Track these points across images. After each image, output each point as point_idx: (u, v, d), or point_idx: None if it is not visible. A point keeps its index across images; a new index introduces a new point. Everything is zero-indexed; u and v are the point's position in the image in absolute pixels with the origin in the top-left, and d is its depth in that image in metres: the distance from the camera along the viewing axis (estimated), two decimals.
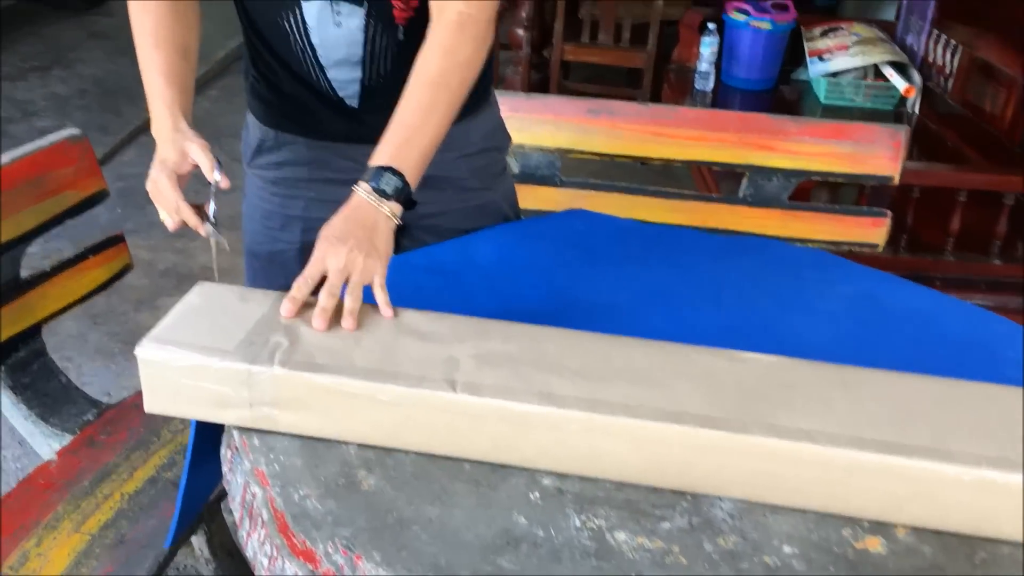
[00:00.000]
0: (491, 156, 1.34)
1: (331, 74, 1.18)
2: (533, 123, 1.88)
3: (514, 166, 1.88)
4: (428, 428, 0.87)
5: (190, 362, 0.88)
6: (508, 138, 1.41)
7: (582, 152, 1.90)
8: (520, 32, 4.24)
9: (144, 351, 0.89)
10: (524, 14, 4.18)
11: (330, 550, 0.77)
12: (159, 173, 1.06)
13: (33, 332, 1.41)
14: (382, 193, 0.99)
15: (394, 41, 1.16)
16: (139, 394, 1.53)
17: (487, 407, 0.85)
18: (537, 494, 0.84)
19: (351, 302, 0.95)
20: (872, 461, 0.80)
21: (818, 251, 1.39)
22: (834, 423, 0.83)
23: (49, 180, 1.39)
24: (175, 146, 1.06)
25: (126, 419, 1.46)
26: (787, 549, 0.79)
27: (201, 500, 1.26)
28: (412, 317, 0.98)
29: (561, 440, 0.85)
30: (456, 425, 0.87)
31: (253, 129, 1.30)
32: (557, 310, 1.15)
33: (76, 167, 1.42)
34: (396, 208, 1.00)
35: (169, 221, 1.08)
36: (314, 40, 1.14)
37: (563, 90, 4.17)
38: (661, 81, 3.79)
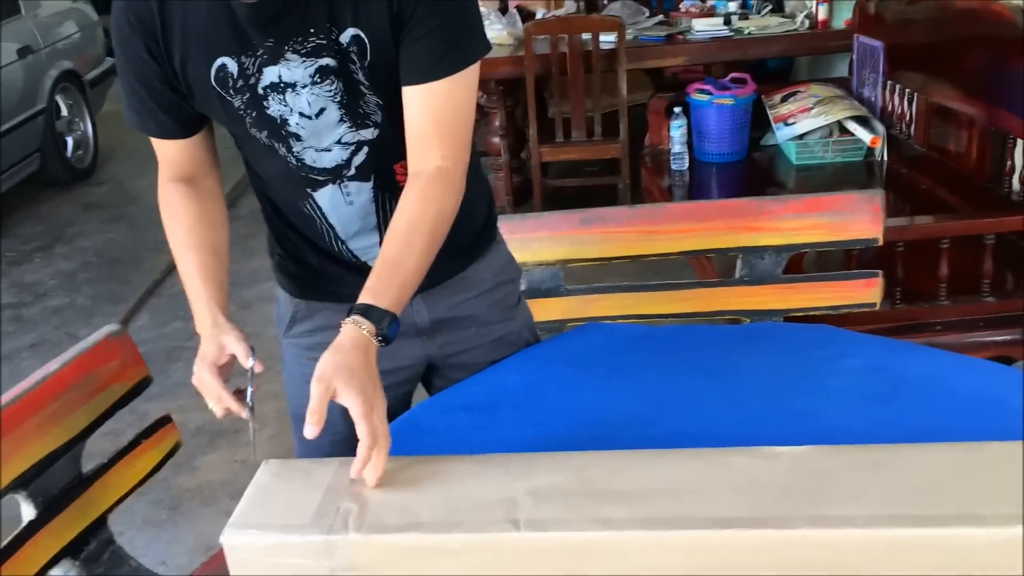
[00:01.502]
0: (505, 289, 1.43)
1: (352, 245, 1.28)
2: (531, 241, 1.98)
3: (522, 284, 1.98)
4: (498, 567, 0.94)
5: (271, 541, 0.96)
6: (518, 269, 1.51)
7: (581, 261, 2.01)
8: (496, 140, 4.41)
9: (228, 537, 0.97)
10: (497, 123, 4.36)
11: None
12: (201, 368, 1.15)
13: (100, 523, 1.48)
14: (376, 331, 1.06)
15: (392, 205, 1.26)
16: (205, 564, 1.60)
17: (550, 541, 0.92)
18: None
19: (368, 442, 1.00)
20: (909, 536, 0.87)
21: (823, 328, 1.48)
22: (870, 505, 0.90)
23: (97, 378, 1.47)
24: (214, 340, 1.16)
25: None
26: None
27: None
28: (464, 464, 1.06)
29: (621, 560, 0.92)
30: (523, 561, 0.93)
31: (285, 303, 1.40)
32: (589, 428, 1.23)
33: (120, 360, 1.51)
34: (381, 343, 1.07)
35: (217, 409, 1.16)
36: (331, 220, 1.25)
37: (545, 189, 4.31)
38: (638, 165, 3.94)
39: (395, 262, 1.11)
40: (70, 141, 5.61)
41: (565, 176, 4.66)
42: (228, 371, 1.18)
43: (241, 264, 3.78)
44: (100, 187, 5.62)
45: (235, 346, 1.14)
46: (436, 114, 1.13)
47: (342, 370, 1.01)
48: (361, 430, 1.00)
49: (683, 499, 0.95)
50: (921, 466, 0.96)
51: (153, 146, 1.25)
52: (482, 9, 4.18)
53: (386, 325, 1.06)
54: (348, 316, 1.07)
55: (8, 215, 5.19)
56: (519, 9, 4.64)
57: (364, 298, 1.08)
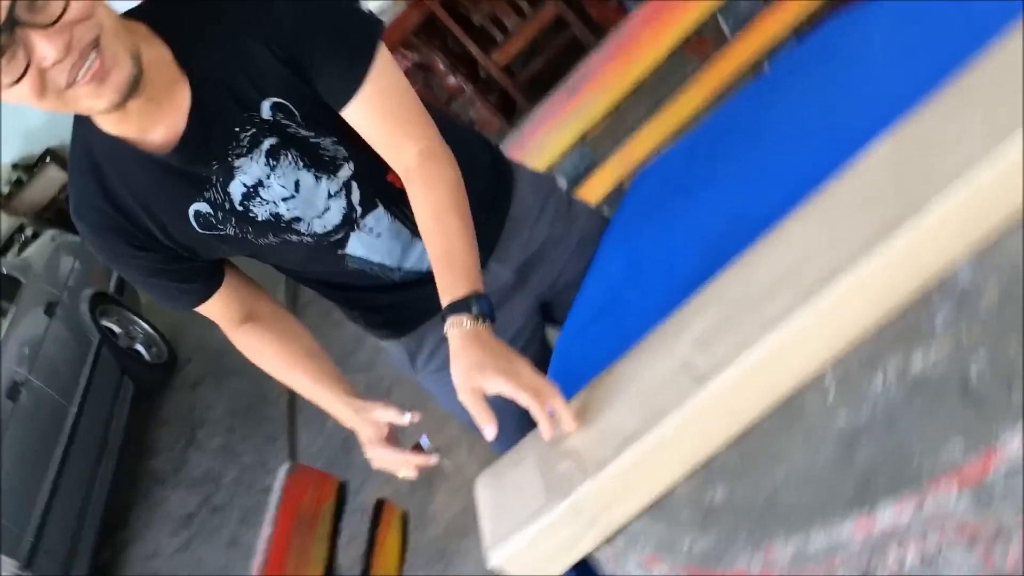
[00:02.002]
0: (552, 200, 1.43)
1: (407, 266, 1.30)
2: (540, 142, 1.98)
3: (562, 183, 1.98)
4: (714, 421, 0.96)
5: (529, 536, 1.00)
6: (550, 177, 1.50)
7: (594, 125, 1.99)
8: (452, 80, 4.36)
9: (495, 559, 1.02)
10: (441, 66, 4.31)
11: None
12: (373, 449, 1.23)
13: None
14: (476, 316, 1.08)
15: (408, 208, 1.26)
16: None
17: (738, 370, 0.94)
18: None
19: (539, 401, 1.04)
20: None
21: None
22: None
23: (305, 513, 1.56)
24: (365, 423, 1.22)
25: None
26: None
27: None
28: (623, 365, 1.09)
29: (808, 341, 0.93)
30: (730, 403, 0.95)
31: (395, 349, 1.44)
32: (709, 248, 1.22)
33: (312, 486, 1.59)
34: (486, 322, 1.09)
35: (410, 473, 1.22)
36: (375, 260, 1.27)
37: (523, 88, 4.24)
38: (581, 7, 3.85)
39: (446, 252, 1.12)
40: (141, 349, 5.81)
41: (529, 64, 4.57)
42: (394, 436, 1.23)
43: (338, 336, 3.88)
44: (191, 363, 5.82)
45: (384, 415, 1.20)
46: (381, 115, 1.13)
47: (473, 369, 1.04)
48: (523, 399, 1.02)
49: (820, 257, 0.95)
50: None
51: (202, 314, 1.30)
52: None
53: (479, 306, 1.08)
54: (444, 324, 1.09)
55: (143, 439, 5.44)
56: None
57: (444, 300, 1.09)
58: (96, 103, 0.98)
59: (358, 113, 1.12)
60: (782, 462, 0.91)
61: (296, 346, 1.30)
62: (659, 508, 0.99)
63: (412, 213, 1.23)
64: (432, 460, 1.21)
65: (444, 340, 1.37)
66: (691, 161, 1.46)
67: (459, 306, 1.08)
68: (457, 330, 1.07)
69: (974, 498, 0.75)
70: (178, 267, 1.21)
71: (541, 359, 1.42)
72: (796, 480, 0.88)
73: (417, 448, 1.22)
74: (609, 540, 1.02)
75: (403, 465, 1.21)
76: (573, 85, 1.97)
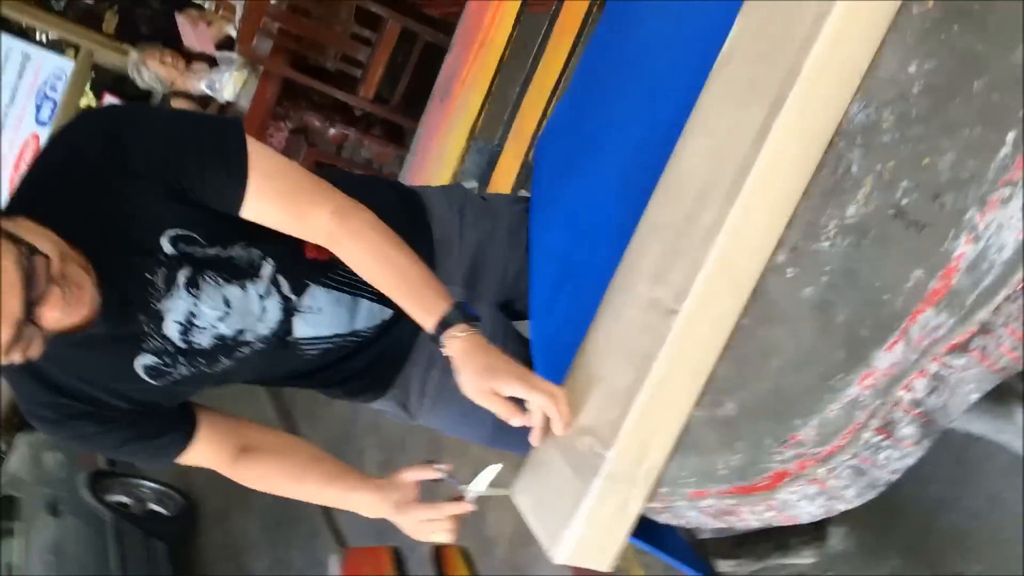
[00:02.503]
0: (467, 206, 1.43)
1: (365, 324, 1.29)
2: (436, 155, 1.99)
3: (472, 185, 1.99)
4: (706, 339, 0.98)
5: (580, 521, 1.01)
6: (457, 185, 1.51)
7: (477, 117, 2.00)
8: (332, 131, 4.33)
9: (559, 557, 1.03)
10: (316, 122, 4.27)
11: None
12: (407, 514, 1.23)
13: None
14: (467, 322, 1.10)
15: (345, 278, 1.27)
16: None
17: (705, 281, 0.96)
18: None
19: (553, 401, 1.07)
20: None
21: None
22: None
23: None
24: (392, 496, 1.24)
25: None
26: None
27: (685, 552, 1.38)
28: (596, 328, 1.10)
29: (748, 221, 0.95)
30: (711, 313, 0.97)
31: (388, 405, 1.43)
32: (623, 186, 1.25)
33: (369, 564, 1.59)
34: (476, 326, 1.11)
35: (451, 532, 1.23)
36: (331, 333, 1.25)
37: (401, 109, 4.23)
38: (418, 10, 3.85)
39: (406, 285, 1.14)
40: (157, 508, 5.72)
41: (396, 84, 4.56)
42: (417, 496, 1.24)
43: (334, 413, 3.86)
44: (209, 499, 5.76)
45: (414, 475, 1.23)
46: (278, 199, 1.13)
47: (484, 372, 1.06)
48: (537, 400, 1.06)
49: (726, 155, 0.97)
50: None
51: (190, 464, 1.29)
52: (202, 84, 4.09)
53: (464, 314, 1.10)
54: (438, 346, 1.10)
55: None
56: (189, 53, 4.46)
57: (429, 325, 1.11)
58: (68, 323, 1.01)
59: (256, 207, 1.12)
60: (773, 354, 0.93)
61: (296, 460, 1.31)
62: (684, 445, 1.01)
63: (343, 278, 1.23)
64: (468, 506, 1.21)
65: (428, 376, 1.38)
66: (579, 110, 1.48)
67: (446, 322, 1.09)
68: (455, 343, 1.08)
69: (949, 310, 0.78)
70: (146, 426, 1.20)
71: (524, 355, 1.43)
72: (791, 366, 0.90)
73: (456, 500, 1.20)
74: (653, 494, 1.03)
75: (449, 526, 1.21)
76: (443, 90, 1.99)
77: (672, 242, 1.02)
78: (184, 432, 1.25)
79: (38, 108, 5.77)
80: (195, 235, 1.12)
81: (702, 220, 0.98)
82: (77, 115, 1.13)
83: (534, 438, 1.09)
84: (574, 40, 2.02)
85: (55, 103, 5.75)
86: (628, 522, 1.04)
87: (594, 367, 1.08)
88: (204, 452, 1.28)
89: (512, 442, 1.41)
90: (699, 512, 0.99)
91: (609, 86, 1.43)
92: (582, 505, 1.01)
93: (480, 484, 1.18)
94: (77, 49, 6.17)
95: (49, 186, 1.09)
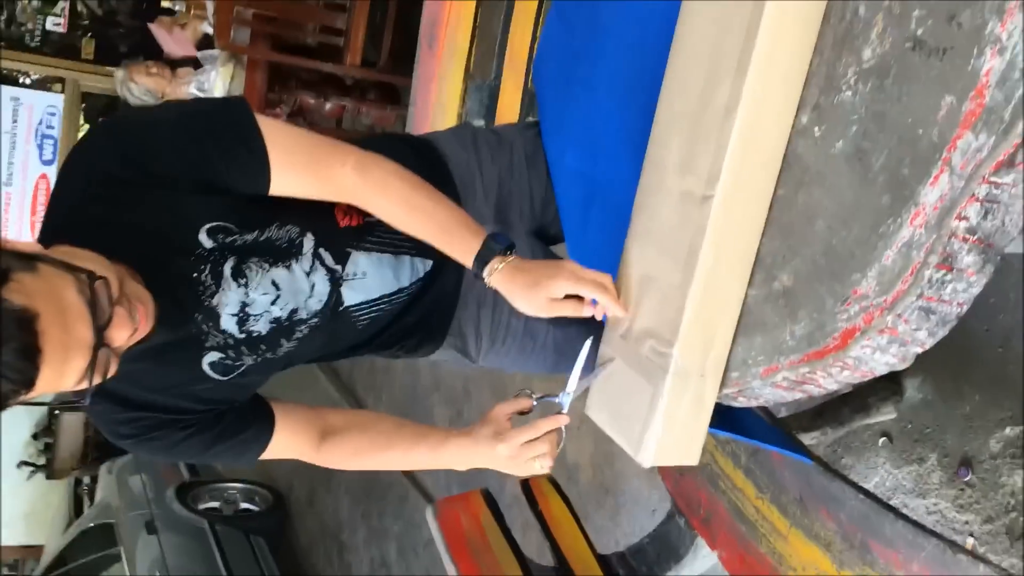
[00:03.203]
0: (480, 144, 1.40)
1: (405, 284, 1.29)
2: (437, 102, 1.97)
3: (479, 123, 1.97)
4: (739, 220, 0.97)
5: (660, 421, 1.02)
6: (466, 126, 1.49)
7: (468, 57, 1.97)
8: (328, 105, 4.30)
9: (645, 457, 1.04)
10: (310, 100, 4.25)
11: None
12: (508, 448, 1.21)
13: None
14: (502, 252, 1.12)
15: (382, 237, 1.27)
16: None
17: (729, 165, 0.95)
18: None
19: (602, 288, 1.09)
20: None
21: None
22: None
23: (472, 535, 1.59)
24: (484, 431, 1.23)
25: None
26: None
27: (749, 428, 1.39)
28: (631, 235, 1.10)
29: (764, 88, 0.93)
30: (747, 193, 0.96)
31: (445, 356, 1.43)
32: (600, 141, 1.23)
33: (463, 511, 1.62)
34: (512, 252, 1.13)
35: (549, 456, 1.22)
36: (377, 295, 1.26)
37: (391, 69, 4.19)
38: None
39: (437, 226, 1.16)
40: (248, 506, 5.86)
41: (380, 44, 4.51)
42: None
43: (393, 380, 3.89)
44: (294, 487, 5.90)
45: (502, 410, 1.23)
46: (301, 168, 1.13)
47: (531, 289, 1.09)
48: (587, 292, 1.08)
49: (728, 28, 0.95)
50: None
51: (281, 458, 1.31)
52: (191, 87, 4.08)
53: (499, 244, 1.12)
54: (480, 278, 1.13)
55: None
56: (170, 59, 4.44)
57: (467, 261, 1.14)
58: (137, 338, 1.02)
59: (283, 180, 1.12)
60: (816, 216, 0.91)
61: (379, 428, 1.32)
62: (745, 326, 1.00)
63: (380, 238, 1.23)
64: (564, 417, 1.19)
65: (480, 316, 1.39)
66: (568, 24, 1.45)
67: (482, 255, 1.12)
68: (496, 276, 1.11)
69: (987, 129, 0.76)
70: (227, 425, 1.22)
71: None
72: (838, 223, 0.89)
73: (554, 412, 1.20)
74: (724, 381, 1.03)
75: (540, 433, 1.20)
76: (428, 37, 1.96)
77: (692, 129, 1.00)
78: (265, 425, 1.26)
79: (40, 148, 5.80)
80: (230, 224, 1.12)
81: (717, 99, 0.96)
82: (83, 137, 1.13)
83: (618, 315, 1.10)
84: None
85: (55, 140, 5.78)
86: (706, 414, 1.04)
87: (640, 271, 1.08)
88: (287, 442, 1.29)
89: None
90: (774, 388, 0.99)
91: None
92: (658, 406, 1.01)
93: (570, 386, 1.18)
94: (63, 82, 6.18)
95: (76, 211, 1.09)
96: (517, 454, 1.21)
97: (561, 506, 1.71)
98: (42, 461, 7.99)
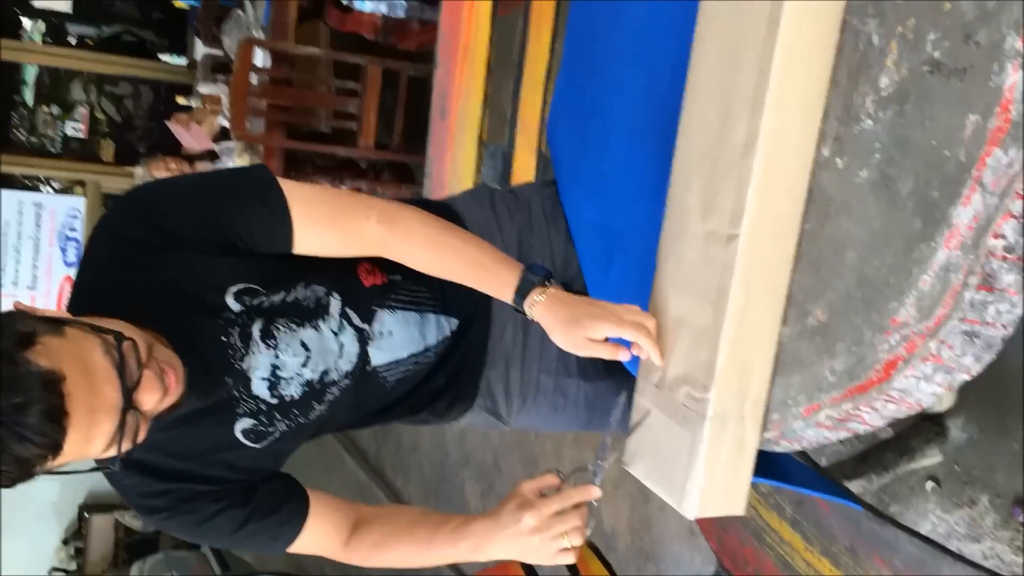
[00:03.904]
0: (497, 203, 1.40)
1: (432, 342, 1.27)
2: (453, 171, 1.98)
3: (494, 180, 1.98)
4: (767, 257, 0.96)
5: (701, 468, 0.99)
6: (483, 187, 1.49)
7: (480, 125, 1.99)
8: (343, 188, 4.37)
9: (689, 508, 1.00)
10: (328, 185, 4.32)
11: None
12: (535, 522, 1.12)
13: None
14: (541, 283, 1.10)
15: (407, 295, 1.26)
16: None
17: (752, 203, 0.93)
18: None
19: (644, 332, 1.05)
20: None
21: None
22: None
23: None
24: (508, 506, 1.16)
25: None
26: None
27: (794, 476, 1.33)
28: (659, 275, 1.08)
29: (782, 123, 0.93)
30: (765, 229, 0.95)
31: (475, 419, 1.41)
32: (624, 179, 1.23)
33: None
34: (551, 282, 1.11)
35: (580, 531, 1.14)
36: (406, 355, 1.24)
37: (403, 148, 4.24)
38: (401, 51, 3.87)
39: (470, 265, 1.14)
40: None
41: (392, 125, 4.59)
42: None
43: (423, 458, 3.83)
44: (328, 570, 5.80)
45: (528, 486, 1.16)
46: (324, 223, 1.13)
47: (571, 325, 1.06)
48: (628, 335, 1.05)
49: (740, 66, 0.95)
50: None
51: (300, 550, 1.26)
52: (217, 164, 4.16)
53: (537, 275, 1.10)
54: (520, 312, 1.10)
55: None
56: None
57: (507, 296, 1.11)
58: (167, 403, 1.01)
59: (307, 237, 1.12)
60: (846, 248, 0.90)
61: (399, 519, 1.27)
62: (782, 365, 0.98)
63: (404, 296, 1.22)
64: (595, 489, 1.12)
65: (509, 376, 1.36)
66: (578, 82, 1.46)
67: (522, 289, 1.10)
68: (536, 308, 1.09)
69: (1016, 144, 0.75)
70: (258, 502, 1.19)
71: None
72: (869, 252, 0.87)
73: (580, 486, 1.13)
74: (765, 423, 1.01)
75: (570, 504, 1.13)
76: (440, 108, 1.98)
77: (711, 170, 0.99)
78: (299, 507, 1.23)
79: (63, 251, 5.90)
80: (256, 286, 1.12)
81: (735, 136, 0.96)
82: (107, 209, 1.13)
83: (657, 360, 1.06)
84: (553, 22, 2.01)
85: (78, 241, 5.88)
86: (748, 459, 1.01)
87: (670, 316, 1.06)
88: (319, 531, 1.24)
89: (609, 422, 1.39)
90: (817, 428, 0.96)
91: (601, 49, 1.41)
92: (698, 452, 0.98)
93: (601, 454, 1.13)
94: (84, 185, 6.31)
95: (102, 278, 1.09)
96: (545, 526, 1.13)
97: (603, 573, 1.66)
98: (73, 567, 7.90)
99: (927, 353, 0.83)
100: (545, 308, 1.09)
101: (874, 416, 0.92)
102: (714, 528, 1.56)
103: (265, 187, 1.12)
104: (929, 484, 1.61)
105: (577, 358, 1.40)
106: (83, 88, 6.67)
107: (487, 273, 1.13)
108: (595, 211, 1.37)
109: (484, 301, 1.34)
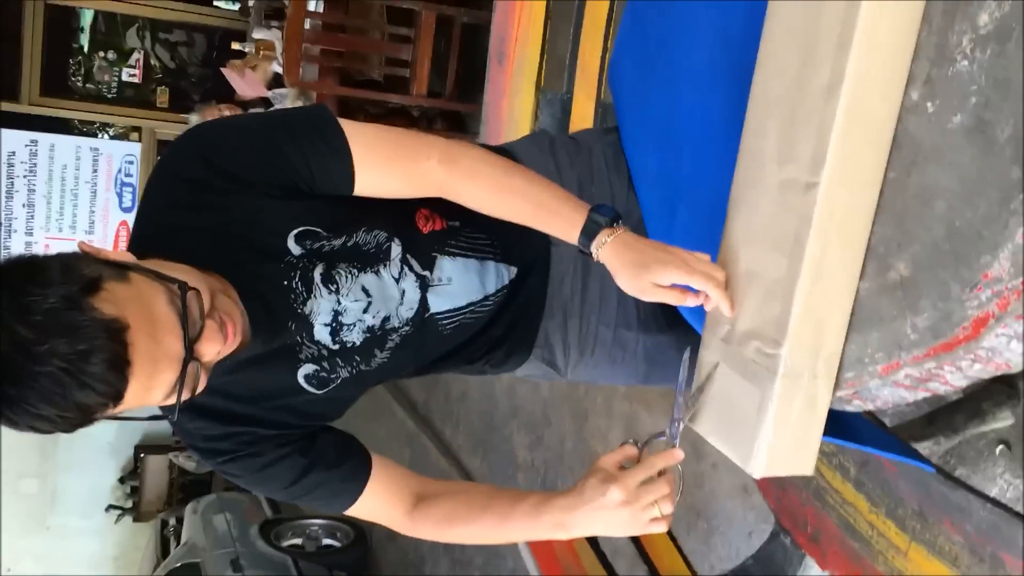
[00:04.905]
0: (558, 149, 1.35)
1: (491, 291, 1.23)
2: (509, 118, 1.94)
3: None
4: (848, 207, 0.91)
5: (770, 427, 0.95)
6: (543, 132, 1.45)
7: (538, 70, 1.94)
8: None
9: (756, 467, 0.97)
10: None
11: None
12: (622, 493, 1.06)
13: None
14: (608, 224, 1.05)
15: (467, 242, 1.23)
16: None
17: (833, 148, 0.88)
18: None
19: (714, 282, 1.01)
20: None
21: None
22: None
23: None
24: (590, 480, 1.09)
25: None
26: None
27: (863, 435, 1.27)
28: (730, 227, 1.04)
29: (868, 64, 0.87)
30: (846, 177, 0.90)
31: (532, 371, 1.38)
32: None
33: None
34: (619, 223, 1.07)
35: (670, 499, 1.08)
36: (464, 303, 1.21)
37: (457, 97, 4.20)
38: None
39: (536, 206, 1.09)
40: (331, 542, 5.86)
41: (444, 72, 4.54)
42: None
43: (472, 409, 3.85)
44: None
45: (608, 460, 1.10)
46: (385, 163, 1.10)
47: (639, 269, 1.01)
48: (697, 283, 1.00)
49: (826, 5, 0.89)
50: None
51: (371, 518, 1.24)
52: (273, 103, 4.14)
53: (605, 215, 1.06)
54: (587, 254, 1.06)
55: None
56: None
57: (572, 237, 1.07)
58: (227, 353, 1.00)
59: (367, 178, 1.09)
60: (935, 197, 0.84)
61: (472, 495, 1.23)
62: (860, 321, 0.93)
63: (464, 242, 1.20)
64: (678, 452, 1.06)
65: (567, 326, 1.32)
66: (643, 21, 1.40)
67: (588, 229, 1.05)
68: (603, 251, 1.04)
69: None
70: (321, 452, 1.17)
71: None
72: (961, 202, 0.82)
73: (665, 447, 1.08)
74: (839, 382, 0.96)
75: (654, 471, 1.07)
76: (498, 52, 1.93)
77: (790, 114, 0.94)
78: (361, 466, 1.20)
79: (120, 196, 5.98)
80: (318, 229, 1.10)
81: (817, 79, 0.90)
82: (166, 149, 1.12)
83: (729, 310, 1.01)
84: None
85: (134, 187, 5.95)
86: (819, 418, 0.97)
87: (740, 269, 1.02)
88: (380, 496, 1.21)
89: (668, 374, 1.35)
90: (894, 387, 0.92)
91: None
92: (767, 411, 0.95)
93: (676, 412, 1.07)
94: (140, 131, 6.37)
95: (163, 219, 1.08)
96: (633, 498, 1.06)
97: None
98: (129, 504, 8.15)
99: (1021, 311, 0.78)
100: (612, 250, 1.04)
101: (957, 376, 0.87)
102: (772, 487, 1.52)
103: (325, 126, 1.09)
104: (999, 447, 1.55)
105: (638, 310, 1.37)
106: (137, 34, 6.71)
107: (552, 214, 1.09)
108: (660, 158, 1.32)
109: (544, 250, 1.31)
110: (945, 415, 1.54)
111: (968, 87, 0.81)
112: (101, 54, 6.62)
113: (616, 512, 1.07)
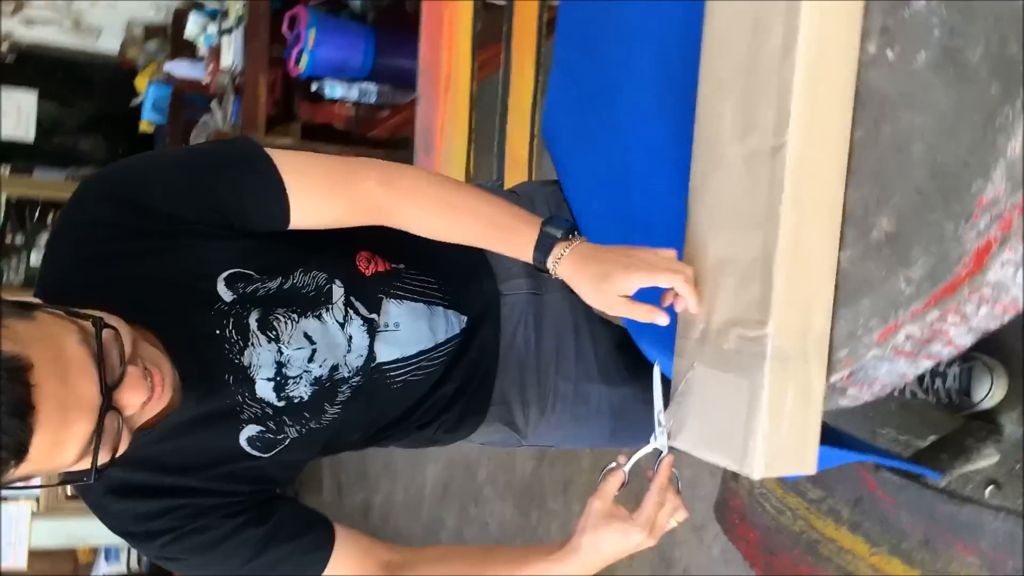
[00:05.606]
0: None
1: (441, 339, 1.13)
2: None
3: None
4: (820, 169, 0.85)
5: (764, 421, 0.85)
6: (485, 189, 1.39)
7: (467, 159, 1.91)
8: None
9: (754, 469, 0.86)
10: None
11: None
12: (653, 536, 0.98)
13: None
14: (564, 236, 0.98)
15: (412, 285, 1.14)
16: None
17: (795, 108, 0.84)
18: None
19: (682, 276, 0.93)
20: None
21: None
22: None
23: None
24: (606, 528, 0.99)
25: None
26: None
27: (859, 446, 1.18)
28: (696, 221, 0.97)
29: (821, 21, 0.84)
30: (814, 136, 0.85)
31: (490, 436, 1.26)
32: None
33: None
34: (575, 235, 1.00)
35: (681, 515, 1.00)
36: (413, 352, 1.10)
37: None
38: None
39: (486, 224, 1.01)
40: None
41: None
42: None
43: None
44: None
45: (613, 484, 1.00)
46: (320, 191, 1.01)
47: (602, 283, 0.93)
48: (664, 282, 0.92)
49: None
50: None
51: None
52: None
53: (559, 228, 0.98)
54: (543, 271, 0.98)
55: None
56: None
57: (526, 255, 0.99)
58: (156, 408, 0.87)
59: (303, 208, 0.99)
60: (911, 141, 0.80)
61: (461, 558, 1.10)
62: (847, 292, 0.86)
63: (410, 286, 1.10)
64: (669, 460, 0.99)
65: (524, 382, 1.22)
66: (576, 74, 1.36)
67: (542, 245, 0.97)
68: (561, 264, 0.96)
69: None
70: (278, 523, 1.02)
71: (611, 333, 1.29)
72: (940, 136, 0.77)
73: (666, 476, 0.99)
74: (832, 365, 0.88)
75: (660, 487, 0.98)
76: (424, 143, 1.91)
77: (745, 85, 0.90)
78: (324, 535, 1.05)
79: None
80: (249, 271, 0.99)
81: (771, 43, 0.86)
82: (73, 194, 0.99)
83: (694, 307, 0.93)
84: (536, 56, 1.96)
85: None
86: (816, 409, 0.88)
87: (711, 261, 0.94)
88: (349, 564, 1.06)
89: (636, 432, 1.24)
90: (894, 357, 0.83)
91: (600, 32, 1.32)
92: (760, 400, 0.85)
93: (658, 416, 0.99)
94: None
95: (72, 274, 0.95)
96: (656, 531, 0.98)
97: None
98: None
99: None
100: (570, 264, 0.96)
101: (962, 330, 0.80)
102: (759, 553, 1.40)
103: (253, 156, 1.00)
104: (988, 489, 1.46)
105: (597, 361, 1.28)
106: None
107: (504, 232, 1.01)
108: (606, 198, 1.26)
109: (494, 298, 1.22)
110: (929, 454, 1.46)
111: (928, 21, 0.78)
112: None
113: (641, 545, 0.99)
